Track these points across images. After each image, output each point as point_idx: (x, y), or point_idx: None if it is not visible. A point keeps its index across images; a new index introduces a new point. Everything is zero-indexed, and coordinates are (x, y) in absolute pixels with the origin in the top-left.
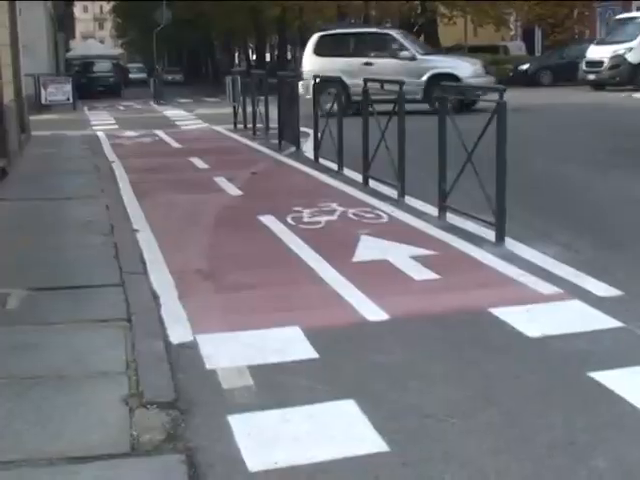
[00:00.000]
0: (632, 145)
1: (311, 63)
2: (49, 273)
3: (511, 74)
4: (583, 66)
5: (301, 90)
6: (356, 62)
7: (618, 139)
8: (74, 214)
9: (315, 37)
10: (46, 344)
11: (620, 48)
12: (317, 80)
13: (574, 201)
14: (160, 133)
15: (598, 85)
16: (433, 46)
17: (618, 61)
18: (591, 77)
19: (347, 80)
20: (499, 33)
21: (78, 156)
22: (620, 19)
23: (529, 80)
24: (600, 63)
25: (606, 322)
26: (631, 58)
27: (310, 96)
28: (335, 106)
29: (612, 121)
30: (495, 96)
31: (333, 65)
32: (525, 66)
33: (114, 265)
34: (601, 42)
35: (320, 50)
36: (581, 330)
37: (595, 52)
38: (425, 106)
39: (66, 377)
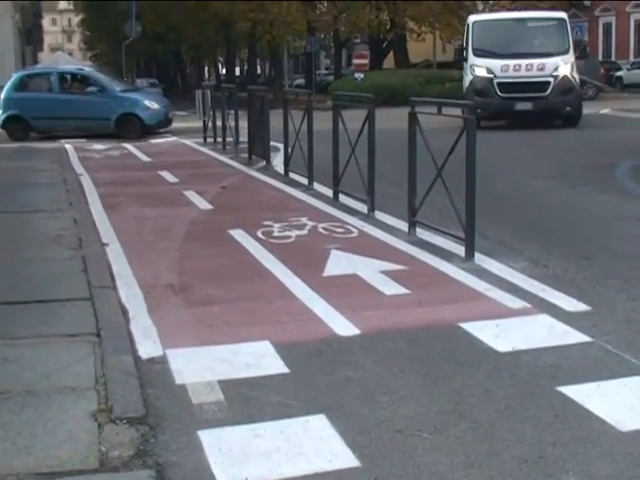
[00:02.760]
0: (600, 161)
1: None
2: (17, 287)
3: None
4: (485, 87)
5: None
6: None
7: (587, 155)
8: (42, 227)
9: None
10: (14, 359)
11: (555, 63)
12: None
13: (542, 216)
14: (129, 146)
15: (539, 117)
16: (402, 62)
17: (568, 84)
18: (522, 106)
19: None
20: None
21: (46, 169)
22: (498, 20)
23: None
24: (533, 85)
25: (574, 337)
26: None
27: None
28: None
29: (580, 138)
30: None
31: None
32: None
33: (83, 279)
34: (485, 54)
35: None
36: (550, 345)
37: (496, 68)
38: None
39: (35, 392)
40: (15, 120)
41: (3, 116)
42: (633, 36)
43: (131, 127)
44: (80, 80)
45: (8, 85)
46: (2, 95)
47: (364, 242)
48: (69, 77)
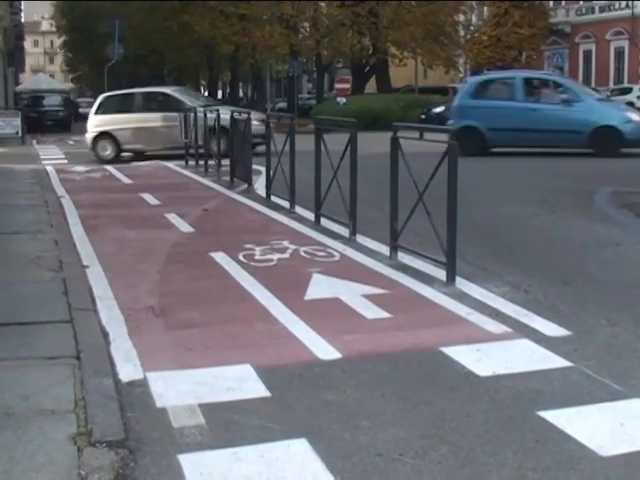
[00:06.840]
0: (580, 187)
1: None
2: None
3: (423, 117)
4: None
5: None
6: None
7: (566, 182)
8: (22, 249)
9: None
10: None
11: None
12: None
13: (523, 241)
14: (110, 168)
15: None
16: (384, 87)
17: None
18: None
19: None
20: (448, 75)
21: (26, 190)
22: None
23: (442, 123)
24: None
25: (555, 361)
26: None
27: None
28: None
29: (559, 164)
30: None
31: None
32: (439, 109)
33: (63, 301)
34: None
35: None
36: (530, 369)
37: None
38: None
39: (14, 415)
40: (470, 131)
41: (456, 126)
42: (613, 63)
43: (608, 142)
44: (549, 87)
45: (462, 91)
46: (455, 102)
47: (346, 266)
48: (536, 83)
